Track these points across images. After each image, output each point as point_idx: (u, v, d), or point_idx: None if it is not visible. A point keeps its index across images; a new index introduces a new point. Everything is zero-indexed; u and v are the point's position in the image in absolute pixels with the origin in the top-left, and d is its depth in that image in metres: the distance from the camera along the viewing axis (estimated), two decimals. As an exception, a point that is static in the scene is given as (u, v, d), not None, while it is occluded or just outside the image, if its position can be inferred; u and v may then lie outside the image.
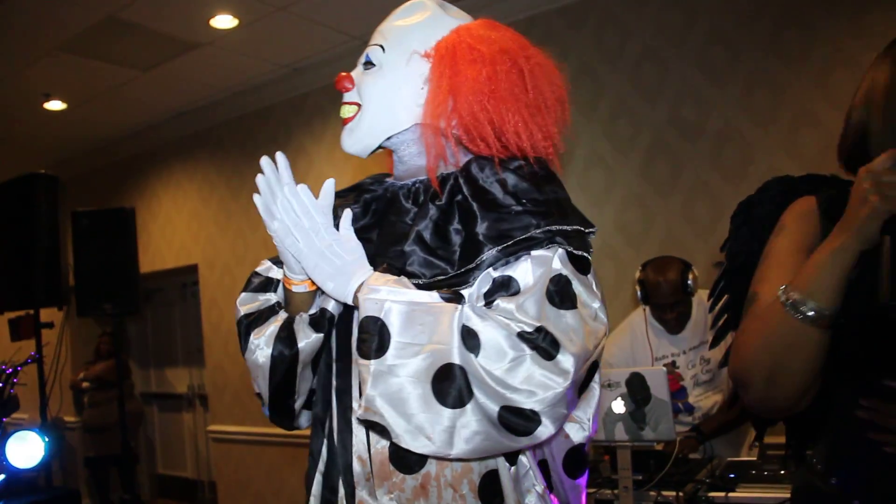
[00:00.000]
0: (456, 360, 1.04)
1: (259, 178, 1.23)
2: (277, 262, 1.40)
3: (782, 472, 2.50)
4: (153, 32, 4.44)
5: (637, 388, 2.55)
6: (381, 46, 1.31)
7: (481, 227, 1.17)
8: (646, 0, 3.91)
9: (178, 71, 5.07)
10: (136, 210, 4.71)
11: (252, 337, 1.32)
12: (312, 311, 1.31)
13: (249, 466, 5.69)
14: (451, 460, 1.18)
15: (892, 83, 1.23)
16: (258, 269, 1.43)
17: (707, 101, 3.71)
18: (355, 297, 1.16)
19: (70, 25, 4.29)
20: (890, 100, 1.23)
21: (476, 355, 1.04)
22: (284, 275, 1.31)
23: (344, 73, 1.33)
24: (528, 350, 1.04)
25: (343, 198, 1.40)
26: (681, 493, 2.50)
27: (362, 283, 1.16)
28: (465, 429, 1.06)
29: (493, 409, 1.04)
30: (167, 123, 6.15)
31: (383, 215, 1.33)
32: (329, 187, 1.22)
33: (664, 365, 3.03)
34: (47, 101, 5.47)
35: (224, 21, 4.36)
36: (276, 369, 1.30)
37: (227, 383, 5.84)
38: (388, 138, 1.32)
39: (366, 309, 1.09)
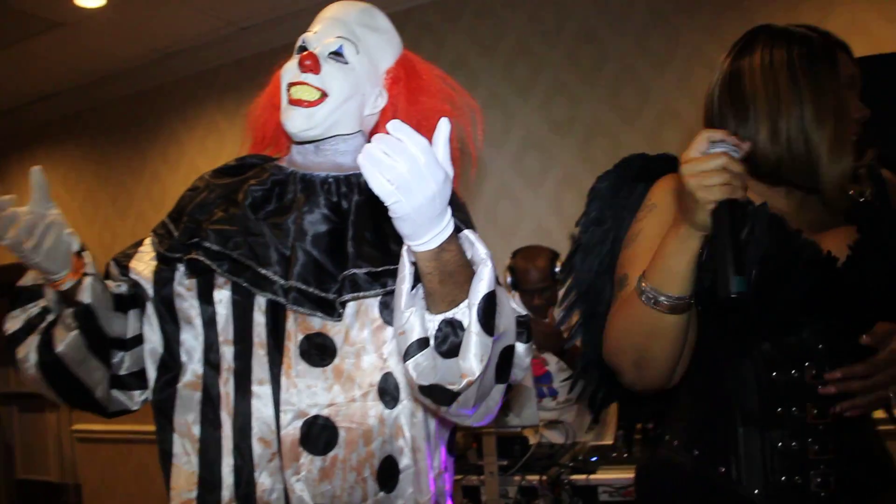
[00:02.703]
0: (515, 342, 1.16)
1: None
2: None
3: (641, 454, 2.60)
4: (9, 7, 4.16)
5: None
6: (356, 46, 1.35)
7: None
8: (521, -4, 3.99)
9: (39, 51, 4.78)
10: (-9, 197, 4.44)
11: (18, 355, 1.27)
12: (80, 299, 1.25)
13: (117, 467, 5.48)
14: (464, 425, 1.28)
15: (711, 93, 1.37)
16: (22, 283, 1.34)
17: (577, 97, 3.83)
18: (441, 250, 1.04)
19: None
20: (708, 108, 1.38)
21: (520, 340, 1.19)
22: (49, 281, 1.25)
23: (309, 53, 1.32)
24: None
25: (235, 176, 1.40)
26: (544, 477, 2.56)
27: (455, 234, 1.08)
28: (492, 401, 1.17)
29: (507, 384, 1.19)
30: (28, 107, 5.81)
31: (294, 203, 1.32)
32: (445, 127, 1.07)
33: (530, 351, 3.10)
34: None
35: (90, 0, 4.16)
36: (50, 377, 1.27)
37: (92, 380, 5.58)
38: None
39: (486, 277, 1.05)
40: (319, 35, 1.36)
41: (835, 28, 1.37)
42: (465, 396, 1.08)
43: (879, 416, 1.35)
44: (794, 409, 1.27)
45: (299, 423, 1.23)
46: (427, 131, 1.33)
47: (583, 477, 2.55)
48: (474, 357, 1.04)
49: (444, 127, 1.04)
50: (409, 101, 1.37)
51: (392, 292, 1.17)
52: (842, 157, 1.24)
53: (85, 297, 1.23)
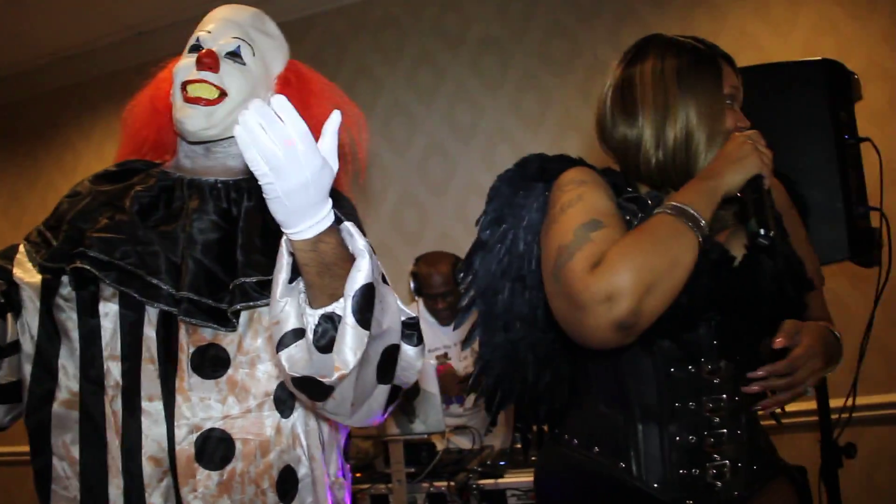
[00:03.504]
0: (399, 341, 1.15)
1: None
2: None
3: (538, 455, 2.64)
4: None
5: (405, 382, 2.60)
6: (252, 48, 1.34)
7: None
8: (424, 3, 4.02)
9: (-80, 51, 4.56)
10: None
11: None
12: None
13: (13, 491, 5.20)
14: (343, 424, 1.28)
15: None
16: None
17: (480, 104, 3.89)
18: (318, 241, 1.03)
19: None
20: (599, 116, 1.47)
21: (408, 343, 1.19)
22: None
23: (209, 50, 1.30)
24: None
25: (118, 182, 1.35)
26: (452, 483, 2.57)
27: (339, 227, 1.07)
28: (375, 402, 1.15)
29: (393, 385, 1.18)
30: (-89, 111, 5.52)
31: (183, 210, 1.28)
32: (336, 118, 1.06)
33: (436, 357, 3.12)
34: None
35: (-26, -2, 3.98)
36: None
37: (-17, 399, 5.32)
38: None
39: (364, 269, 1.04)
40: (215, 35, 1.34)
41: (725, 39, 1.44)
42: (341, 393, 1.06)
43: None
44: (691, 403, 1.32)
45: (194, 437, 1.18)
46: (317, 136, 1.32)
47: (491, 481, 2.57)
48: (349, 349, 1.03)
49: (334, 118, 1.04)
50: (299, 106, 1.34)
51: None
52: (715, 149, 1.34)
53: None
